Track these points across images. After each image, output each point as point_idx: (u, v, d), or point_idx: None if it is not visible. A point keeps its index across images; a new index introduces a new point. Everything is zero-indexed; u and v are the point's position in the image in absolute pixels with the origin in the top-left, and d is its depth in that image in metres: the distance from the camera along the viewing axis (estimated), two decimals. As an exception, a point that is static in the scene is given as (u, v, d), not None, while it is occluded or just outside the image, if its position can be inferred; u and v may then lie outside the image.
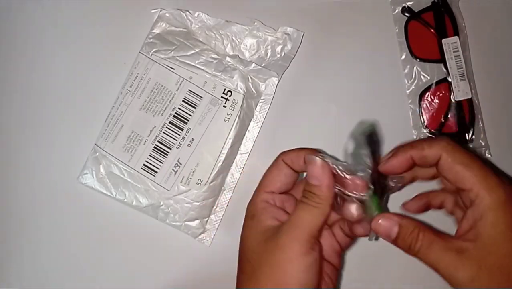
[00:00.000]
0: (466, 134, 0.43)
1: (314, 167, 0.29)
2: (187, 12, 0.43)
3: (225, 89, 0.41)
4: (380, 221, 0.29)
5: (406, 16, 0.44)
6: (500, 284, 0.26)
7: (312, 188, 0.29)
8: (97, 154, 0.41)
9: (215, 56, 0.42)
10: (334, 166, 0.29)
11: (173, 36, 0.42)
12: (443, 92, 0.43)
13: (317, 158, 0.29)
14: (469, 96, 0.42)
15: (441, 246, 0.27)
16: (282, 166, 0.33)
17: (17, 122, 0.44)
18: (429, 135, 0.43)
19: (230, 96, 0.41)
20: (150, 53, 0.42)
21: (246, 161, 0.43)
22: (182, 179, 0.40)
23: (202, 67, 0.41)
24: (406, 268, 0.42)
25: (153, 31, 0.43)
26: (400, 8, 0.44)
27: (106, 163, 0.41)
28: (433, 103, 0.43)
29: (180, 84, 0.41)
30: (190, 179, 0.40)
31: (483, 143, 0.43)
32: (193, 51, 0.42)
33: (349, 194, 0.29)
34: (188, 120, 0.41)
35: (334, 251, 0.35)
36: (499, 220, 0.26)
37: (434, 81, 0.43)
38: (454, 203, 0.34)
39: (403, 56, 0.44)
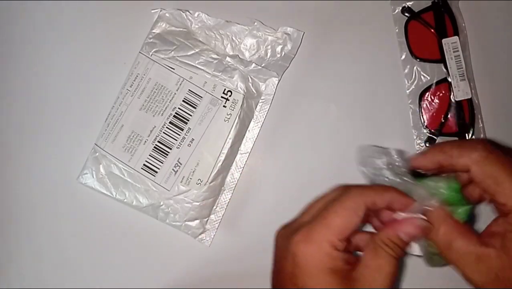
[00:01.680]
0: (466, 134, 0.43)
1: (416, 226, 0.28)
2: (187, 12, 0.43)
3: (225, 89, 0.41)
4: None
5: (406, 16, 0.44)
6: None
7: (401, 243, 0.28)
8: (97, 154, 0.41)
9: (215, 56, 0.42)
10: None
11: (173, 36, 0.42)
12: (443, 92, 0.43)
13: (422, 220, 0.28)
14: (469, 96, 0.42)
15: (461, 246, 0.27)
16: (360, 210, 0.27)
17: (17, 122, 0.44)
18: (429, 135, 0.43)
19: (230, 96, 0.41)
20: (150, 53, 0.42)
21: (246, 161, 0.43)
22: (182, 179, 0.40)
23: (202, 67, 0.41)
24: (407, 268, 0.42)
25: (153, 31, 0.43)
26: (400, 8, 0.44)
27: (106, 163, 0.41)
28: (433, 103, 0.43)
29: (180, 84, 0.41)
30: (190, 179, 0.40)
31: (483, 144, 0.43)
32: (193, 51, 0.42)
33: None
34: (188, 120, 0.41)
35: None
36: None
37: (434, 81, 0.43)
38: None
39: (403, 56, 0.44)
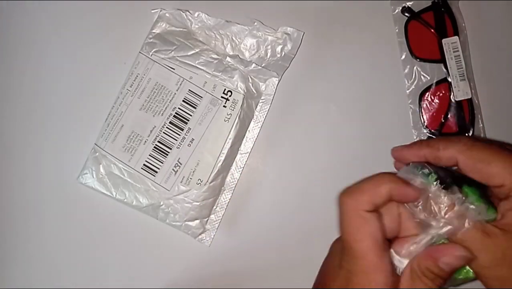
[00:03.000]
0: (466, 134, 0.43)
1: (457, 256, 0.25)
2: (187, 12, 0.43)
3: (225, 89, 0.41)
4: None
5: (406, 16, 0.44)
6: None
7: (441, 273, 0.25)
8: (97, 154, 0.41)
9: (215, 56, 0.42)
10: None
11: (173, 36, 0.42)
12: (443, 92, 0.43)
13: (463, 249, 0.25)
14: (469, 96, 0.42)
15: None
16: (368, 219, 0.26)
17: (17, 122, 0.44)
18: (429, 135, 0.43)
19: (230, 96, 0.41)
20: (150, 53, 0.42)
21: (246, 161, 0.42)
22: (182, 179, 0.40)
23: (202, 67, 0.41)
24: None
25: (153, 31, 0.43)
26: (400, 8, 0.44)
27: (106, 163, 0.41)
28: (433, 103, 0.43)
29: (180, 84, 0.41)
30: (190, 179, 0.40)
31: (483, 143, 0.43)
32: (193, 51, 0.42)
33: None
34: (188, 120, 0.41)
35: None
36: None
37: (434, 81, 0.43)
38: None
39: (403, 56, 0.44)
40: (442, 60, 0.43)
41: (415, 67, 0.43)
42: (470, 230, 0.25)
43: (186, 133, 0.41)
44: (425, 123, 0.43)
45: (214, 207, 0.42)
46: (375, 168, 0.42)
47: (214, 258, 0.43)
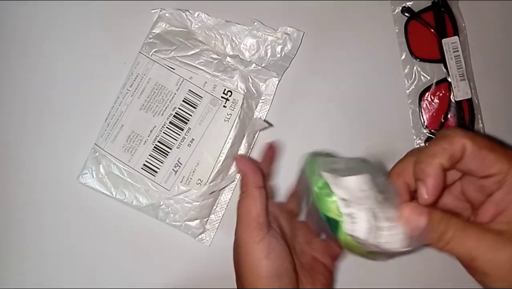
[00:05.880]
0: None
1: (236, 162, 0.34)
2: (187, 12, 0.43)
3: (225, 89, 0.41)
4: (405, 210, 0.25)
5: (406, 16, 0.44)
6: None
7: (240, 181, 0.32)
8: (97, 153, 0.41)
9: (215, 56, 0.42)
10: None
11: (173, 36, 0.42)
12: (443, 92, 0.43)
13: (235, 154, 0.34)
14: (469, 96, 0.42)
15: (476, 229, 0.25)
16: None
17: (17, 122, 0.44)
18: (429, 135, 0.43)
19: (230, 96, 0.41)
20: (150, 53, 0.42)
21: (246, 161, 0.42)
22: (182, 178, 0.40)
23: (202, 68, 0.41)
24: (404, 268, 0.42)
25: (153, 31, 0.43)
26: (400, 8, 0.44)
27: (106, 162, 0.41)
28: (433, 103, 0.43)
29: (180, 84, 0.41)
30: (190, 178, 0.40)
31: (483, 143, 0.43)
32: (193, 51, 0.42)
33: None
34: (188, 120, 0.41)
35: (329, 255, 0.36)
36: None
37: (434, 81, 0.43)
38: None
39: (403, 56, 0.44)
40: (442, 60, 0.43)
41: (415, 67, 0.43)
42: (479, 236, 0.25)
43: (186, 133, 0.41)
44: (425, 123, 0.43)
45: (214, 207, 0.42)
46: (375, 168, 0.43)
47: (214, 258, 0.43)
